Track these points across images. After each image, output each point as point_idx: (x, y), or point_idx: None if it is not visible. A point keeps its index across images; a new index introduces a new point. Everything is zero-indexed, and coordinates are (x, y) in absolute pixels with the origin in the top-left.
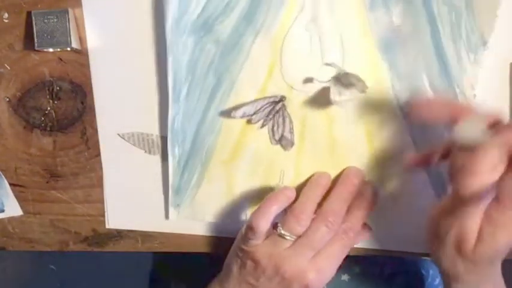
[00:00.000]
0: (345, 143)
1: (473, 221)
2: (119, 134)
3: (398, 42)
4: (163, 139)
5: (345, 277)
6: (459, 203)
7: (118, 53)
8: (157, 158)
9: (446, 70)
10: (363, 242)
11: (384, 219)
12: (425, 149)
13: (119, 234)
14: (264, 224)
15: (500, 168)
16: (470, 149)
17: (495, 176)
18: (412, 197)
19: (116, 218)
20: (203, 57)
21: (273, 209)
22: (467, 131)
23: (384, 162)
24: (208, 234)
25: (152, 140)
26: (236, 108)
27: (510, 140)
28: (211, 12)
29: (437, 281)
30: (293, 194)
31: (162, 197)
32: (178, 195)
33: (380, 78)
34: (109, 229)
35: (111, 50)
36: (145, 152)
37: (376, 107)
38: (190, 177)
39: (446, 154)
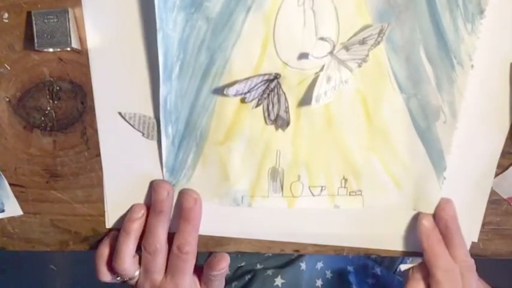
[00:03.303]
0: (342, 120)
1: None
2: (118, 134)
3: (393, 13)
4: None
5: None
6: None
7: (118, 53)
8: (156, 158)
9: (443, 41)
10: (362, 243)
11: (384, 200)
12: (422, 120)
13: None
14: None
15: None
16: None
17: None
18: (413, 177)
19: (116, 218)
20: (194, 35)
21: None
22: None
23: (382, 136)
24: (206, 234)
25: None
26: (229, 85)
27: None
28: None
29: None
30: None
31: None
32: (173, 175)
33: (376, 51)
34: (109, 229)
35: (111, 50)
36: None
37: (372, 81)
38: (186, 157)
39: None
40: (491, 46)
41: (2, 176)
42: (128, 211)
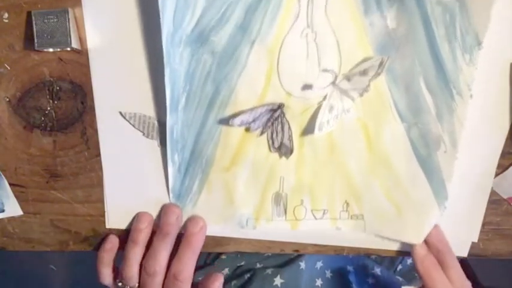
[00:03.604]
0: (344, 147)
1: None
2: (118, 134)
3: (394, 45)
4: (163, 141)
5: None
6: None
7: (118, 53)
8: (157, 158)
9: (442, 71)
10: (362, 243)
11: (386, 225)
12: (423, 149)
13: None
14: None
15: None
16: None
17: None
18: (414, 204)
19: (116, 218)
20: (200, 68)
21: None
22: None
23: (384, 164)
24: (207, 234)
25: (152, 141)
26: (234, 116)
27: None
28: (206, 24)
29: None
30: (115, 241)
31: (162, 197)
32: (180, 200)
33: (376, 81)
34: (109, 229)
35: (111, 50)
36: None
37: (373, 110)
38: (192, 183)
39: None
40: (491, 46)
41: (2, 176)
42: (134, 219)
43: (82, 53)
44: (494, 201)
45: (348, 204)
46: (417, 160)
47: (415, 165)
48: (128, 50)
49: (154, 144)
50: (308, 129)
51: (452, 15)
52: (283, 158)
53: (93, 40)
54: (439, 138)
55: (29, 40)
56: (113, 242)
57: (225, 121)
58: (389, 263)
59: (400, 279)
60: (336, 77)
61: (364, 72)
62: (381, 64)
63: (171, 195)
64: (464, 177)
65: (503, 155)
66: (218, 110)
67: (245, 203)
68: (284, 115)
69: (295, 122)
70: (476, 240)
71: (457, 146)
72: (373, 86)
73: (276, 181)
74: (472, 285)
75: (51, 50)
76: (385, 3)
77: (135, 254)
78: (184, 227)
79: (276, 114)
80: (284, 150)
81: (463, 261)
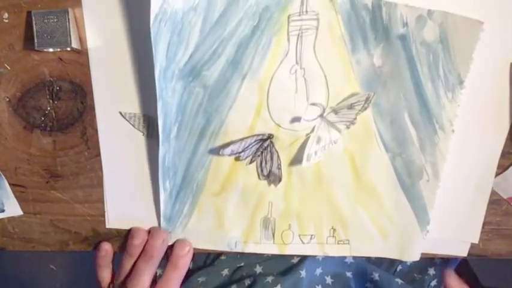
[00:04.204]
0: (332, 176)
1: None
2: (118, 134)
3: (380, 81)
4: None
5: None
6: None
7: (118, 53)
8: (156, 158)
9: (426, 107)
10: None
11: (371, 248)
12: (407, 177)
13: (119, 234)
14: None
15: None
16: None
17: None
18: (398, 229)
19: (116, 218)
20: (192, 100)
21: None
22: None
23: (370, 191)
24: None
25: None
26: (224, 146)
27: None
28: (198, 59)
29: None
30: (108, 248)
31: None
32: (170, 223)
33: (363, 115)
34: (109, 229)
35: (111, 50)
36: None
37: (360, 141)
38: (182, 207)
39: None
40: (491, 46)
41: (2, 176)
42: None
43: (82, 53)
44: (495, 201)
45: (334, 230)
46: (401, 188)
47: (400, 192)
48: (128, 50)
49: (155, 143)
50: (296, 160)
51: (436, 55)
52: (272, 185)
53: (93, 40)
54: (422, 169)
55: (29, 40)
56: (105, 249)
57: (216, 151)
58: (389, 264)
59: (400, 281)
60: (323, 110)
61: (351, 107)
62: (367, 99)
63: (162, 218)
64: (464, 177)
65: (503, 155)
66: (209, 139)
67: (234, 226)
68: (273, 145)
69: (284, 152)
70: (476, 241)
71: (439, 176)
72: (359, 118)
73: (264, 206)
74: (472, 285)
75: (51, 50)
76: (372, 42)
77: (131, 265)
78: (172, 249)
79: (265, 144)
80: (273, 178)
81: (463, 261)
